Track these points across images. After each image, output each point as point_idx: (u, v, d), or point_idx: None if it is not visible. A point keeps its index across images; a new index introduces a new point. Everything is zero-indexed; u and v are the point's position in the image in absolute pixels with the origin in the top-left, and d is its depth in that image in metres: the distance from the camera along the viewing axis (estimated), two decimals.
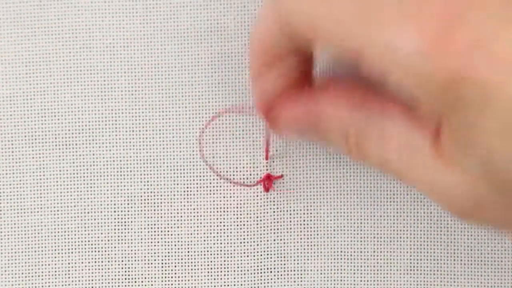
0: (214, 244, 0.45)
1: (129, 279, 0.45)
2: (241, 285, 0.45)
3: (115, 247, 0.45)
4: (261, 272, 0.45)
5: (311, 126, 0.38)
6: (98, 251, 0.45)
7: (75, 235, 0.45)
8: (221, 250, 0.45)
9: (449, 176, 0.33)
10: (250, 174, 0.44)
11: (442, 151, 0.33)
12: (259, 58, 0.37)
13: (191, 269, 0.45)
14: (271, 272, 0.45)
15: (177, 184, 0.45)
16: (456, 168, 0.33)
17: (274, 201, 0.44)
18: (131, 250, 0.45)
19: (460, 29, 0.31)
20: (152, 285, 0.45)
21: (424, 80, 0.31)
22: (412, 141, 0.34)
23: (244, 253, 0.45)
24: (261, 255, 0.45)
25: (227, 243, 0.45)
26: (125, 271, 0.45)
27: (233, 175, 0.44)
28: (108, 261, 0.45)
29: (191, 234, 0.45)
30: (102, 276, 0.45)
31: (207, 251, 0.45)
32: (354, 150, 0.37)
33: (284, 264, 0.45)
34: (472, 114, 0.31)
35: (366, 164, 0.38)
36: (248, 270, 0.45)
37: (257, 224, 0.45)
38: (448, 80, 0.31)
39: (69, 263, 0.45)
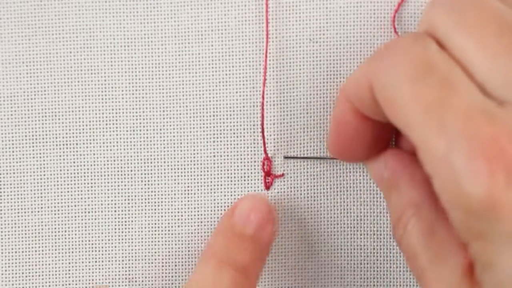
0: None
1: (129, 278, 0.45)
2: None
3: (115, 247, 0.45)
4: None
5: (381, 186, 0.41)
6: (99, 251, 0.45)
7: (75, 234, 0.45)
8: None
9: None
10: (252, 172, 0.45)
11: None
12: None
13: (192, 268, 0.45)
14: (271, 270, 0.45)
15: (178, 183, 0.45)
16: None
17: (274, 199, 0.45)
18: (132, 250, 0.45)
19: None
20: (152, 284, 0.45)
21: (463, 204, 0.31)
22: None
23: None
24: None
25: None
26: (125, 271, 0.45)
27: (234, 172, 0.45)
28: (109, 261, 0.45)
29: (192, 233, 0.45)
30: (103, 275, 0.45)
31: None
32: (401, 232, 0.38)
33: (285, 262, 0.45)
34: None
35: (401, 248, 0.38)
36: None
37: None
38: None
39: (69, 263, 0.45)
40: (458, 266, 0.34)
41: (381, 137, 0.40)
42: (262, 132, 0.44)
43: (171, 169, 0.45)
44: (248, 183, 0.45)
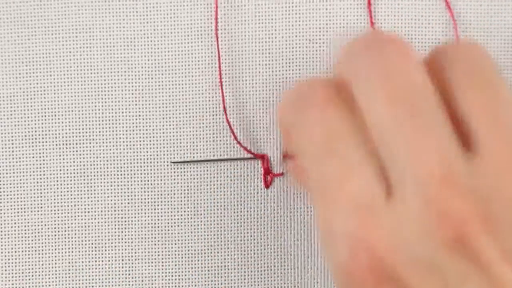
0: (214, 241, 0.45)
1: (129, 277, 0.45)
2: (241, 283, 0.45)
3: (115, 246, 0.45)
4: (260, 270, 0.45)
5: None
6: (98, 250, 0.45)
7: (75, 234, 0.45)
8: (221, 248, 0.45)
9: None
10: (251, 171, 0.45)
11: None
12: None
13: (191, 267, 0.45)
14: (270, 270, 0.45)
15: (177, 183, 0.45)
16: None
17: (274, 198, 0.45)
18: (131, 249, 0.45)
19: None
20: (152, 283, 0.45)
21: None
22: None
23: (244, 250, 0.45)
24: (261, 252, 0.45)
25: (227, 240, 0.45)
26: (125, 270, 0.45)
27: (234, 171, 0.45)
28: (108, 260, 0.45)
29: (191, 232, 0.45)
30: (102, 275, 0.45)
31: (207, 249, 0.45)
32: None
33: (284, 262, 0.45)
34: None
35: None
36: (248, 268, 0.45)
37: (257, 221, 0.45)
38: None
39: (69, 262, 0.45)
40: None
41: None
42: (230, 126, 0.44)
43: (171, 168, 0.45)
44: (247, 182, 0.45)
